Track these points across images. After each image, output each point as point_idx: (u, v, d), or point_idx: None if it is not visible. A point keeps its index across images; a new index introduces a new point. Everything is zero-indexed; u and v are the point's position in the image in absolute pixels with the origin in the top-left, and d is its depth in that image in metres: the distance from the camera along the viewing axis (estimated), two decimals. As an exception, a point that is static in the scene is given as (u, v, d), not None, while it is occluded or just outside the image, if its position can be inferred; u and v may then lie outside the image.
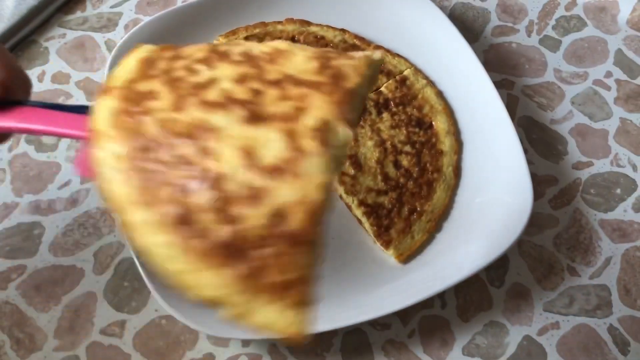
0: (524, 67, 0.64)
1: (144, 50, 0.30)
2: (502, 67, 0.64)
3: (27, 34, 0.63)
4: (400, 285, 0.48)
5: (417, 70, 0.60)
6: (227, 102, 0.25)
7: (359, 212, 0.51)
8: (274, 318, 0.23)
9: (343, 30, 0.61)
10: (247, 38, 0.60)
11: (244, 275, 0.22)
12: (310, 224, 0.23)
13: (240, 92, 0.26)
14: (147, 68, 0.28)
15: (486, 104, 0.56)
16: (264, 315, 0.23)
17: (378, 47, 0.60)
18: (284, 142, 0.23)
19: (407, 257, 0.50)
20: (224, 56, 0.28)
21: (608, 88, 0.63)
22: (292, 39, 0.60)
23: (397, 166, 0.54)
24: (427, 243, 0.51)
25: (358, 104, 0.26)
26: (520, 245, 0.54)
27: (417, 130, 0.56)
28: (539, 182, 0.57)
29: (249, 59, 0.28)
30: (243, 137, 0.24)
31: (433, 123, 0.56)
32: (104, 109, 0.26)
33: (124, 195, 0.23)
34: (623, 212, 0.56)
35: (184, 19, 0.60)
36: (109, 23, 0.65)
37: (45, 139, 0.57)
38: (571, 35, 0.67)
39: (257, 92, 0.26)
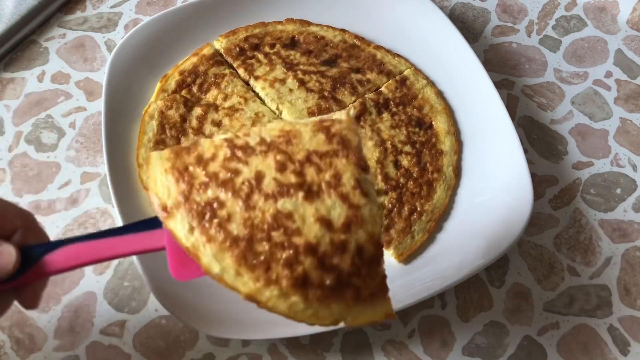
0: (524, 67, 0.64)
1: (163, 160, 0.33)
2: (502, 67, 0.64)
3: (27, 34, 0.63)
4: (400, 285, 0.48)
5: (417, 70, 0.60)
6: (284, 190, 0.32)
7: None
8: (371, 315, 0.33)
9: (343, 31, 0.61)
10: (247, 38, 0.60)
11: (349, 298, 0.32)
12: (377, 249, 0.33)
13: (288, 178, 0.32)
14: (184, 177, 0.33)
15: (486, 104, 0.56)
16: (364, 316, 0.33)
17: (378, 47, 0.60)
18: (342, 204, 0.32)
19: (407, 257, 0.50)
20: (247, 150, 0.34)
21: (608, 88, 0.63)
22: (292, 39, 0.60)
23: (397, 166, 0.54)
24: (427, 243, 0.51)
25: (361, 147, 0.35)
26: (520, 245, 0.54)
27: (417, 130, 0.56)
28: (539, 182, 0.57)
29: (269, 147, 0.34)
30: (314, 211, 0.32)
31: (433, 123, 0.56)
32: (180, 229, 0.32)
33: (252, 288, 0.32)
34: (623, 212, 0.56)
35: (184, 19, 0.60)
36: (109, 23, 0.65)
37: (45, 139, 0.57)
38: (571, 35, 0.67)
39: (299, 173, 0.33)
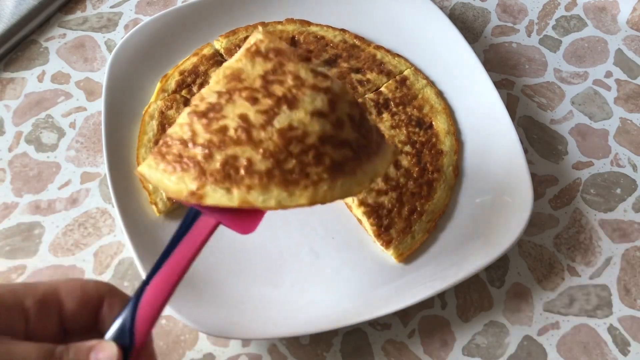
0: (524, 67, 0.64)
1: (153, 167, 0.35)
2: (502, 67, 0.64)
3: (27, 34, 0.63)
4: (400, 285, 0.48)
5: (417, 70, 0.60)
6: (271, 112, 0.34)
7: (359, 212, 0.51)
8: (389, 158, 0.38)
9: (343, 31, 0.61)
10: (247, 38, 0.60)
11: (368, 156, 0.37)
12: (359, 109, 0.37)
13: (265, 103, 0.35)
14: (186, 163, 0.34)
15: (486, 104, 0.56)
16: (385, 162, 0.38)
17: (378, 47, 0.60)
18: (317, 93, 0.36)
19: (407, 257, 0.50)
20: (215, 107, 0.35)
21: (608, 88, 0.63)
22: (292, 39, 0.60)
23: (397, 166, 0.54)
24: (427, 243, 0.51)
25: None
26: (521, 245, 0.54)
27: (417, 130, 0.56)
28: (539, 182, 0.57)
29: (229, 93, 0.36)
30: (303, 112, 0.35)
31: (433, 123, 0.56)
32: (220, 197, 0.33)
33: (310, 196, 0.34)
34: (623, 212, 0.56)
35: (184, 19, 0.60)
36: (109, 23, 0.65)
37: (45, 139, 0.57)
38: (571, 35, 0.67)
39: (270, 95, 0.35)
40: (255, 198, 0.33)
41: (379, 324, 0.49)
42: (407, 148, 0.55)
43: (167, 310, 0.45)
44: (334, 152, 0.35)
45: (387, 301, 0.47)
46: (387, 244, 0.50)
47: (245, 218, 0.36)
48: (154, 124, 0.54)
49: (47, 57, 0.62)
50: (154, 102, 0.55)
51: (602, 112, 0.62)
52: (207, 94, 0.36)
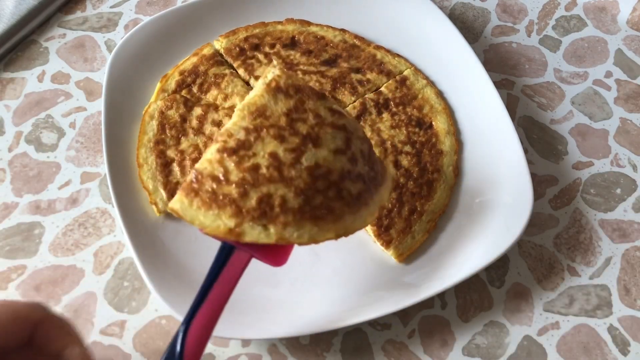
0: (524, 67, 0.64)
1: (186, 205, 0.36)
2: (502, 67, 0.64)
3: (27, 33, 0.63)
4: (400, 285, 0.48)
5: (417, 70, 0.60)
6: (298, 151, 0.37)
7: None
8: (392, 181, 0.44)
9: (343, 31, 0.61)
10: (247, 38, 0.60)
11: (379, 184, 0.41)
12: (368, 144, 0.41)
13: (292, 141, 0.37)
14: (222, 200, 0.35)
15: (486, 104, 0.56)
16: (389, 188, 0.42)
17: (378, 47, 0.60)
18: (336, 131, 0.39)
19: (407, 257, 0.50)
20: (245, 145, 0.37)
21: (608, 88, 0.63)
22: (292, 39, 0.60)
23: (398, 166, 0.54)
24: (427, 243, 0.51)
25: None
26: (521, 245, 0.54)
27: (417, 130, 0.56)
28: (539, 182, 0.57)
29: (257, 130, 0.37)
30: (326, 150, 0.38)
31: (433, 123, 0.56)
32: (257, 234, 0.35)
33: (337, 229, 0.37)
34: (623, 212, 0.56)
35: (184, 19, 0.60)
36: (109, 23, 0.65)
37: (45, 139, 0.57)
38: (571, 35, 0.67)
39: (296, 133, 0.37)
40: (291, 234, 0.35)
41: (379, 324, 0.49)
42: (407, 148, 0.55)
43: (167, 310, 0.45)
44: (351, 186, 0.38)
45: (387, 301, 0.47)
46: (387, 244, 0.50)
47: (277, 251, 0.38)
48: (154, 124, 0.54)
49: (47, 57, 0.62)
50: (154, 102, 0.55)
51: (602, 112, 0.62)
52: (235, 130, 0.37)
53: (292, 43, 0.60)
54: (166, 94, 0.56)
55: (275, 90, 0.39)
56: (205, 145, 0.53)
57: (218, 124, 0.54)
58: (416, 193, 0.52)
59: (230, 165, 0.35)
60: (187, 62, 0.58)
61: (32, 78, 0.61)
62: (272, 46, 0.60)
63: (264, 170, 0.36)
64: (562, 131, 0.60)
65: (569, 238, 0.54)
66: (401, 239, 0.50)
